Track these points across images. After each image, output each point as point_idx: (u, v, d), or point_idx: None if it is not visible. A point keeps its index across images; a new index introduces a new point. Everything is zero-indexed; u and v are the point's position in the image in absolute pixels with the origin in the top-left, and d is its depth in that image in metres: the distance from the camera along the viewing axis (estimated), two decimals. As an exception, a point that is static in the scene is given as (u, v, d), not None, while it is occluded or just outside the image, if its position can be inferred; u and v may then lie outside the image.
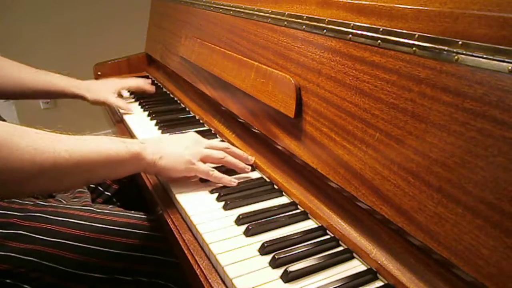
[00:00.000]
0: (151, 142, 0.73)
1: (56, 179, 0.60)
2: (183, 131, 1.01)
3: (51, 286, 0.70)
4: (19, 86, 1.03)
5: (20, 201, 0.77)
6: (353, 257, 0.58)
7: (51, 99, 1.11)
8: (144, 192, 0.84)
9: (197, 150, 0.75)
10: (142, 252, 0.75)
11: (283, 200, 0.72)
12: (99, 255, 0.73)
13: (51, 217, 0.75)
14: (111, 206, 0.88)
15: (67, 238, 0.73)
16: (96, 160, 0.63)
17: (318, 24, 0.66)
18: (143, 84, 1.29)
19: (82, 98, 1.14)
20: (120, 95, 1.25)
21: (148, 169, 0.72)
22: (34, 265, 0.69)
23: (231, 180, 0.75)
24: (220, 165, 0.78)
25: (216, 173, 0.74)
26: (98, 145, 0.64)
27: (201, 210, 0.68)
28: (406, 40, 0.51)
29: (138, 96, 1.30)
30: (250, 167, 0.80)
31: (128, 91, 1.34)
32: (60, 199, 0.88)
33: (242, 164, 0.79)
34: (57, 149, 0.58)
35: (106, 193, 1.02)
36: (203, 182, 0.77)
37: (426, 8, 0.49)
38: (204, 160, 0.75)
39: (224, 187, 0.75)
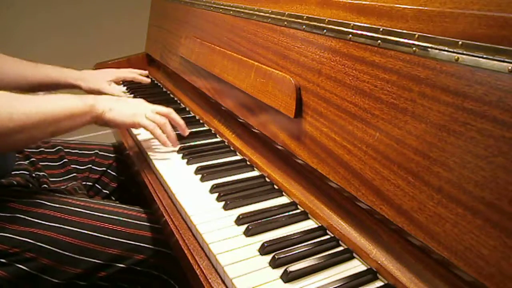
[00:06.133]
0: (103, 98, 0.85)
1: (26, 133, 0.69)
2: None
3: (46, 268, 0.71)
4: (19, 81, 1.05)
5: (17, 189, 0.79)
6: (353, 257, 0.58)
7: (50, 91, 1.11)
8: (143, 189, 0.84)
9: (143, 110, 0.86)
10: (137, 241, 0.76)
11: (283, 200, 0.72)
12: (95, 241, 0.74)
13: (48, 203, 0.77)
14: (107, 199, 0.89)
15: (63, 223, 0.74)
16: (59, 114, 0.74)
17: (318, 24, 0.66)
18: (138, 76, 1.29)
19: (78, 87, 1.15)
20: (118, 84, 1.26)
21: (98, 119, 0.81)
22: (29, 246, 0.70)
23: (166, 142, 0.86)
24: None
25: (159, 131, 0.86)
26: (60, 102, 0.76)
27: (201, 210, 0.68)
28: (406, 40, 0.51)
29: (138, 95, 1.29)
30: (178, 144, 0.90)
31: (126, 88, 1.36)
32: (55, 189, 0.89)
33: (172, 137, 0.89)
34: (27, 108, 0.68)
35: (104, 191, 1.02)
36: (203, 182, 0.77)
37: (426, 8, 0.49)
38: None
39: (224, 187, 0.75)
